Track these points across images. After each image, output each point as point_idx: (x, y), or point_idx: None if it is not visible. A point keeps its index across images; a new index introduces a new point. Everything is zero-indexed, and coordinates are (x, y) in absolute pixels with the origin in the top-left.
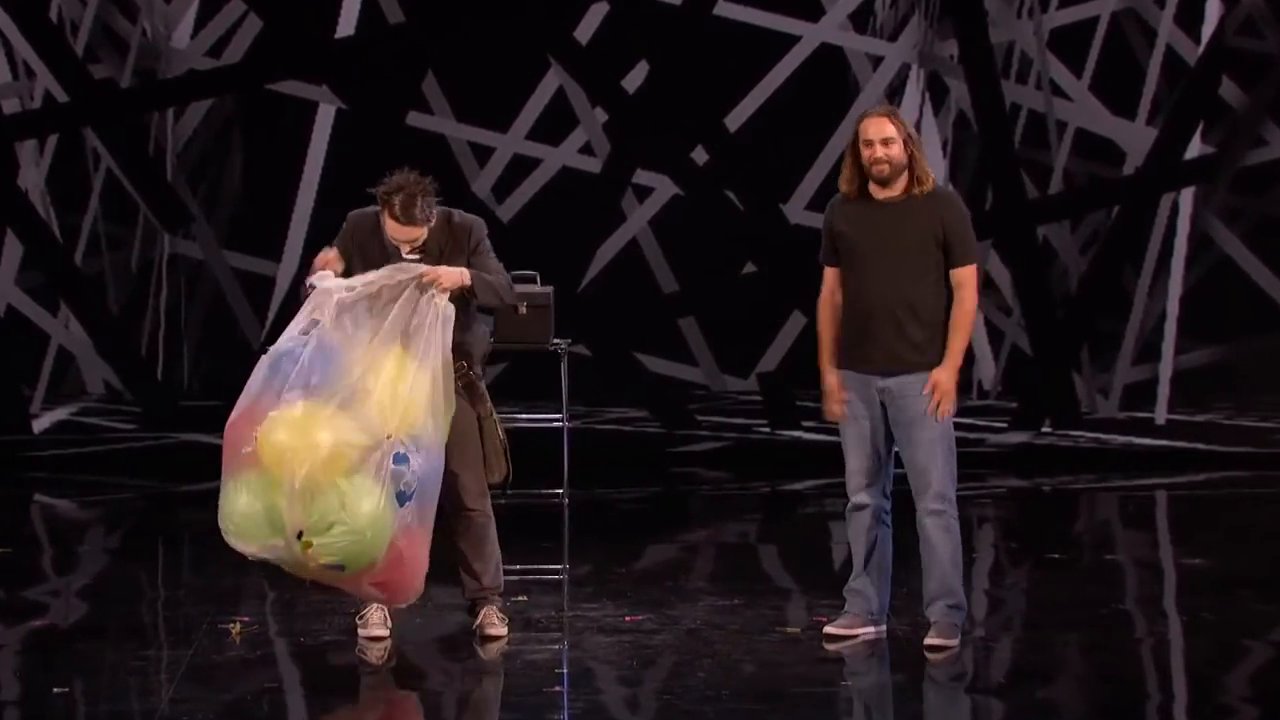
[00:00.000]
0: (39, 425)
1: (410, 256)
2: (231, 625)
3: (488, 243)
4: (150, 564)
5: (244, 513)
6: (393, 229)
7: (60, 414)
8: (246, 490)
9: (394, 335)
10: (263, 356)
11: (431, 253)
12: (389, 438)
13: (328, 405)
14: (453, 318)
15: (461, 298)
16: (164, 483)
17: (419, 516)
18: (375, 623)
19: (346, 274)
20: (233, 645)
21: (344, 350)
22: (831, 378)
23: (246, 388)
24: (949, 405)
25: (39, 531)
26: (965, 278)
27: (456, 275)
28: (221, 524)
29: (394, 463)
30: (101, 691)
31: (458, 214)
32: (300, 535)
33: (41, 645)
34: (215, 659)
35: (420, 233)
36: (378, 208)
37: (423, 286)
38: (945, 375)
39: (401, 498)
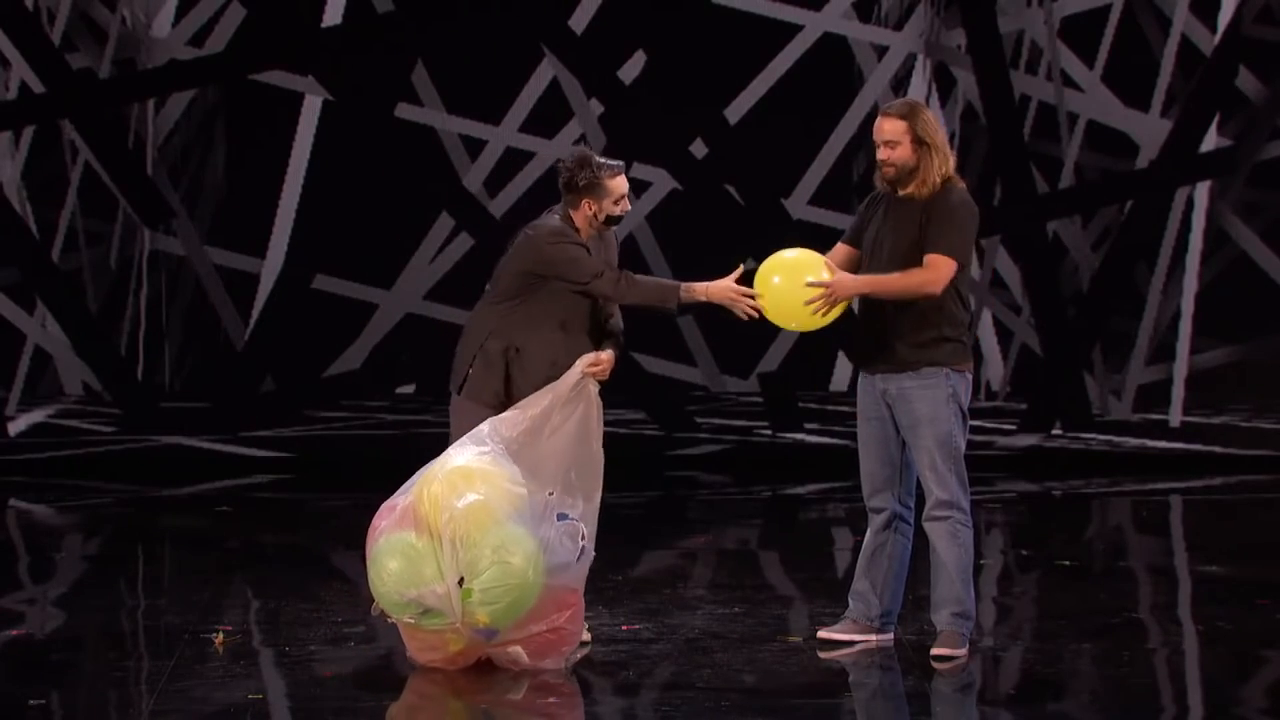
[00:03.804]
0: (15, 428)
1: None
2: (214, 635)
3: (548, 252)
4: (130, 571)
5: (396, 571)
6: (620, 184)
7: (37, 416)
8: (399, 553)
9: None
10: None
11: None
12: (550, 494)
13: (487, 453)
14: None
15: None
16: (144, 487)
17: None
18: None
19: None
20: (215, 656)
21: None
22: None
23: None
24: (825, 296)
25: (15, 537)
26: (932, 261)
27: (611, 357)
28: (375, 591)
29: (558, 519)
30: (79, 704)
31: (526, 230)
32: (461, 582)
33: (17, 655)
34: (197, 670)
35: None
36: (553, 216)
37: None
38: (846, 282)
39: (572, 553)
